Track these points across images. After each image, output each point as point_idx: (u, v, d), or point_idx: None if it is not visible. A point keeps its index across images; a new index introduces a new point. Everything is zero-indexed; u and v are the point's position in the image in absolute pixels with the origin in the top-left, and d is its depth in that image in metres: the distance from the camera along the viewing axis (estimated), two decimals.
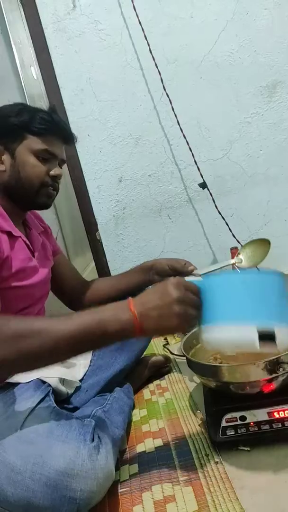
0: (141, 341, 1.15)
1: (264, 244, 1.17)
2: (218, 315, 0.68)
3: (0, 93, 1.55)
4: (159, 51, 1.69)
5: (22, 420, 0.70)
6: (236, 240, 1.70)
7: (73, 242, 2.17)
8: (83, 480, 0.62)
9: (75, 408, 0.90)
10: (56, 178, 0.98)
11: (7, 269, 0.85)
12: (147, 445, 0.88)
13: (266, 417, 0.79)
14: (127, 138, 1.77)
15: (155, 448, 0.86)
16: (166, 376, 1.22)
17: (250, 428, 0.78)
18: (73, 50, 1.73)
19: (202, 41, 1.72)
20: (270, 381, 0.82)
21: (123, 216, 1.82)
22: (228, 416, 0.81)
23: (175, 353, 1.33)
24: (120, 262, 1.83)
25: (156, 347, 1.47)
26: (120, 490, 0.76)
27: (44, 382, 0.83)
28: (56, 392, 0.85)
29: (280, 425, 0.77)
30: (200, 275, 0.74)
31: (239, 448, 0.78)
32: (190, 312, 0.66)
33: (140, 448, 0.88)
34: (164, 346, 1.43)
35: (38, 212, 1.14)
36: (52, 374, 0.88)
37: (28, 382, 0.82)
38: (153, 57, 1.68)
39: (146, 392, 1.15)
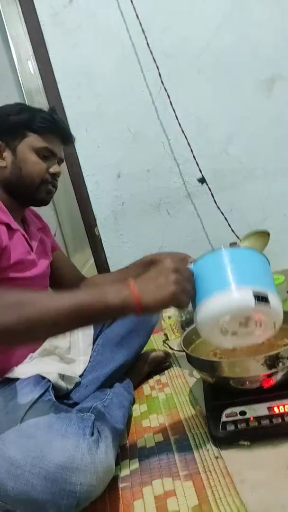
0: (141, 336, 1.15)
1: (263, 236, 1.17)
2: (212, 286, 0.68)
3: None
4: (157, 45, 1.68)
5: (22, 415, 0.70)
6: (235, 235, 1.70)
7: (72, 238, 2.17)
8: (83, 474, 0.62)
9: (75, 404, 0.90)
10: (55, 176, 1.00)
11: (5, 260, 0.85)
12: (147, 440, 0.89)
13: (266, 412, 0.79)
14: (125, 133, 1.76)
15: (155, 443, 0.86)
16: (166, 372, 1.22)
17: (250, 423, 0.78)
18: (70, 44, 1.72)
19: (200, 35, 1.71)
20: (270, 376, 0.82)
21: (122, 212, 1.81)
22: (228, 411, 0.81)
23: (175, 348, 1.33)
24: (119, 257, 1.82)
25: (156, 342, 1.47)
26: (120, 485, 0.76)
27: (44, 378, 0.83)
28: (56, 388, 0.85)
29: (280, 420, 0.77)
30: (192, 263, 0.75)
31: (239, 442, 0.78)
32: (186, 284, 0.68)
33: (140, 443, 0.88)
34: (164, 341, 1.43)
35: (37, 209, 1.14)
36: (51, 369, 0.88)
37: (28, 378, 0.82)
38: (150, 51, 1.67)
39: (146, 388, 1.15)
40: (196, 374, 1.11)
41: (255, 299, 0.64)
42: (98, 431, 0.72)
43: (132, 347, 1.11)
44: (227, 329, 0.70)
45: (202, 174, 1.74)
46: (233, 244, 1.60)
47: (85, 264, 2.28)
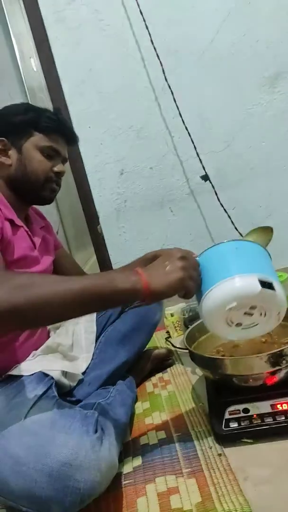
0: (143, 334, 1.15)
1: (266, 232, 1.16)
2: (218, 276, 0.69)
3: (0, 85, 1.54)
4: (160, 42, 1.67)
5: (26, 412, 0.70)
6: (238, 232, 1.70)
7: (75, 236, 2.17)
8: (86, 470, 0.62)
9: (78, 401, 0.90)
10: (59, 175, 1.03)
11: (9, 254, 0.86)
12: (150, 437, 0.89)
13: (269, 410, 0.79)
14: (128, 130, 1.76)
15: (158, 440, 0.86)
16: (168, 369, 1.22)
17: (253, 420, 0.78)
18: (73, 41, 1.71)
19: (203, 31, 1.70)
20: (273, 373, 0.82)
21: (125, 209, 1.81)
22: (231, 408, 0.81)
23: (178, 346, 1.33)
24: (122, 255, 1.82)
25: (159, 340, 1.47)
26: (123, 482, 0.76)
27: (47, 375, 0.83)
28: (59, 385, 0.85)
29: (283, 417, 0.77)
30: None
31: (242, 440, 0.78)
32: (192, 271, 0.69)
33: (143, 440, 0.88)
34: (166, 339, 1.43)
35: (39, 207, 1.15)
36: (54, 367, 0.88)
37: (31, 375, 0.82)
38: (154, 47, 1.66)
39: (148, 385, 1.15)
40: (199, 372, 1.11)
41: (261, 285, 0.65)
42: (102, 428, 0.72)
43: (135, 344, 1.11)
44: (232, 320, 0.71)
45: (205, 172, 1.73)
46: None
47: (88, 262, 2.28)
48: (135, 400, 1.04)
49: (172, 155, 1.77)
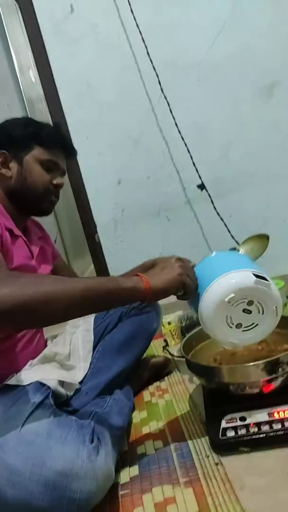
0: (141, 342, 1.15)
1: (263, 239, 1.17)
2: (214, 277, 0.74)
3: None
4: (156, 54, 1.70)
5: (22, 422, 0.70)
6: (235, 241, 1.70)
7: (72, 245, 2.18)
8: (83, 481, 0.62)
9: (75, 411, 0.90)
10: (58, 187, 1.05)
11: (8, 263, 0.86)
12: (147, 447, 0.88)
13: (266, 418, 0.79)
14: (126, 141, 1.77)
15: (155, 449, 0.86)
16: (166, 378, 1.22)
17: (250, 428, 0.78)
18: (71, 53, 1.74)
19: (199, 43, 1.73)
20: (270, 381, 0.82)
21: (122, 218, 1.82)
22: (228, 417, 0.81)
23: (175, 354, 1.33)
24: (120, 264, 1.82)
25: (156, 348, 1.47)
26: (120, 492, 0.76)
27: (43, 385, 0.83)
28: (55, 395, 0.85)
29: (280, 426, 0.77)
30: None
31: (240, 449, 0.78)
32: (190, 272, 0.77)
33: (140, 450, 0.88)
34: (164, 347, 1.43)
35: (38, 219, 1.16)
36: (51, 376, 0.88)
37: (28, 384, 0.82)
38: (150, 59, 1.68)
39: (146, 394, 1.15)
40: (196, 380, 1.11)
41: (255, 277, 0.71)
42: (98, 438, 0.72)
43: (132, 353, 1.11)
44: (232, 319, 0.74)
45: (201, 181, 1.75)
46: (232, 250, 1.61)
47: (85, 271, 2.29)
48: (132, 409, 1.03)
49: (168, 165, 1.79)
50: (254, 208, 1.79)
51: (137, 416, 1.04)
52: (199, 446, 0.83)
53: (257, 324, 0.75)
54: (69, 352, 1.05)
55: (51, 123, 1.16)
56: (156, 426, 0.96)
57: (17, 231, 0.95)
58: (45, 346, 1.07)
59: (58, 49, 1.74)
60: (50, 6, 1.71)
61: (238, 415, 0.81)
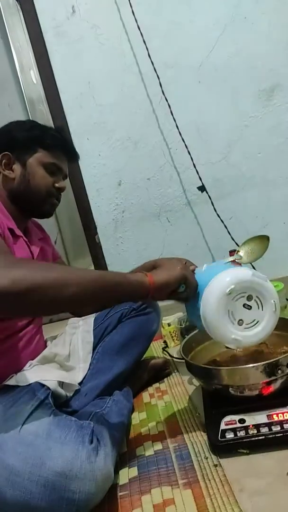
0: (140, 343, 1.15)
1: (263, 240, 1.18)
2: (212, 274, 0.78)
3: (0, 96, 1.56)
4: (158, 55, 1.70)
5: (21, 423, 0.70)
6: (235, 242, 1.70)
7: (73, 246, 2.18)
8: (82, 481, 0.62)
9: (74, 411, 0.90)
10: (60, 190, 1.07)
11: None
12: (147, 448, 0.88)
13: (265, 420, 0.79)
14: (126, 142, 1.78)
15: (154, 451, 0.86)
16: (165, 379, 1.22)
17: (249, 430, 0.78)
18: (72, 54, 1.74)
19: (200, 46, 1.73)
20: (269, 383, 0.82)
21: (122, 220, 1.82)
22: (227, 418, 0.81)
23: (175, 355, 1.33)
24: (120, 265, 1.83)
25: (156, 349, 1.47)
26: (119, 494, 0.76)
27: (43, 385, 0.83)
28: (55, 395, 0.85)
29: (279, 428, 0.77)
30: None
31: (239, 450, 0.78)
32: (190, 272, 0.80)
33: (139, 451, 0.88)
34: (163, 349, 1.43)
35: (39, 220, 1.17)
36: (51, 377, 0.88)
37: (27, 385, 0.82)
38: (151, 61, 1.69)
39: (145, 395, 1.15)
40: (196, 382, 1.11)
41: (252, 272, 0.76)
42: (97, 439, 0.72)
43: (132, 354, 1.11)
44: (234, 314, 0.76)
45: (202, 182, 1.75)
46: (232, 252, 1.61)
47: None
48: (132, 410, 1.04)
49: (169, 166, 1.79)
50: (254, 210, 1.80)
51: (136, 417, 1.04)
52: (198, 447, 0.83)
53: (257, 322, 0.77)
54: (68, 353, 1.05)
55: (52, 124, 1.17)
56: (156, 428, 0.96)
57: (18, 232, 0.96)
58: (45, 346, 1.07)
59: (59, 50, 1.74)
60: (51, 7, 1.72)
61: (237, 417, 0.81)
